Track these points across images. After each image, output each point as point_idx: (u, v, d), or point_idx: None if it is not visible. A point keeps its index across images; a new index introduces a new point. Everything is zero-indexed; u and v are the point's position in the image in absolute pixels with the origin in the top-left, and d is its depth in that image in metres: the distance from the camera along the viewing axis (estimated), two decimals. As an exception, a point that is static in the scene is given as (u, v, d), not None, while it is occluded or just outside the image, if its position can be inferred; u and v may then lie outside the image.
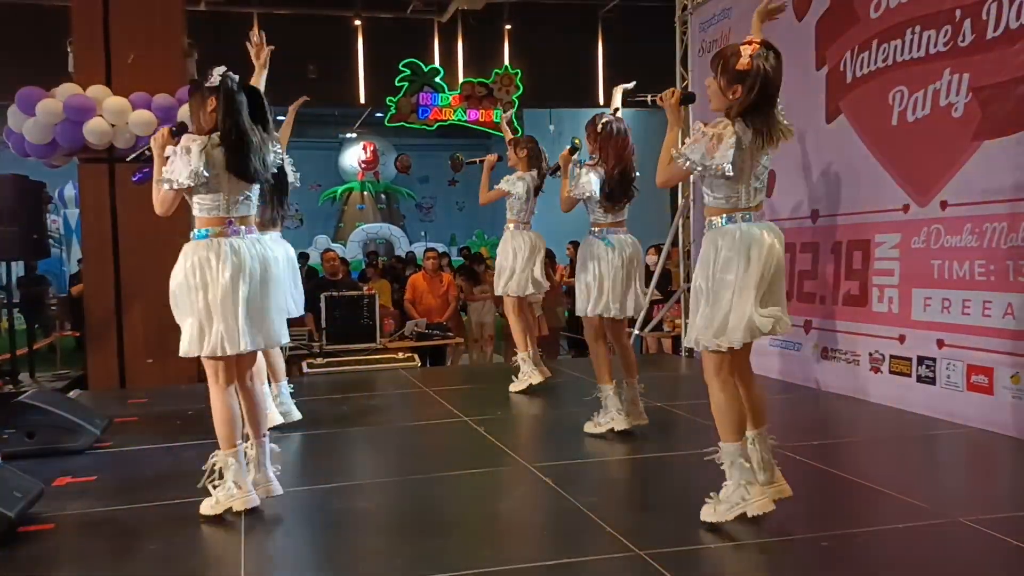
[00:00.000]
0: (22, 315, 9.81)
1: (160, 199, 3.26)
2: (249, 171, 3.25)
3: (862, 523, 3.14)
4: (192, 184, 3.16)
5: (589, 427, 4.47)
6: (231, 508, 3.25)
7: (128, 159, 3.44)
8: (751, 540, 3.00)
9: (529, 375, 5.61)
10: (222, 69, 3.27)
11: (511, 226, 5.66)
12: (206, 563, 2.95)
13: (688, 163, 2.93)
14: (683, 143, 3.00)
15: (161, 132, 3.28)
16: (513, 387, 5.68)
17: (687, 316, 7.61)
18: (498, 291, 5.72)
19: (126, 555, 3.04)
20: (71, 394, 5.95)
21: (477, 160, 5.93)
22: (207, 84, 3.25)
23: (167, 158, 3.18)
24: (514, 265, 5.57)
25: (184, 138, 3.19)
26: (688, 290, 7.55)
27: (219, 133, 3.21)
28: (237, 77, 3.30)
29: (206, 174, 3.15)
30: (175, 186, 3.17)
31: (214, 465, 3.31)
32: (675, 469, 4.06)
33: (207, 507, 3.28)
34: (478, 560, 2.85)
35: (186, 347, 3.28)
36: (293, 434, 4.71)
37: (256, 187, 3.37)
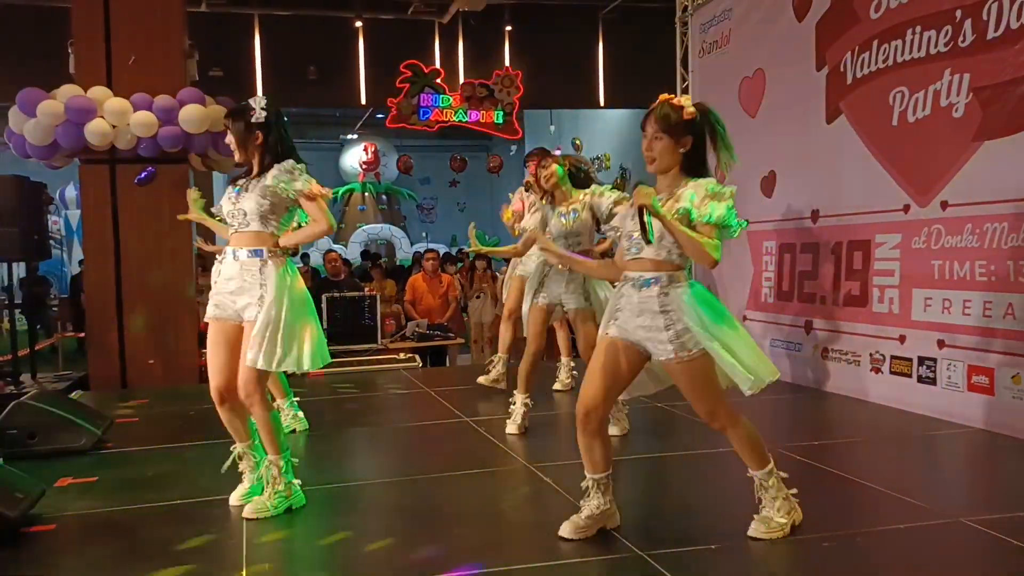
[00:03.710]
0: (23, 316, 9.81)
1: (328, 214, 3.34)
2: None
3: (863, 523, 3.14)
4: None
5: (613, 430, 4.49)
6: (291, 506, 3.38)
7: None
8: (752, 541, 3.00)
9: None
10: (264, 102, 3.34)
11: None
12: (208, 563, 2.95)
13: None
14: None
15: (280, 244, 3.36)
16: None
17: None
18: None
19: (127, 556, 3.04)
20: (73, 395, 5.96)
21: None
22: (253, 120, 3.30)
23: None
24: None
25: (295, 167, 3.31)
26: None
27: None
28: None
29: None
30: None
31: (270, 468, 3.36)
32: (676, 469, 4.06)
33: (262, 510, 3.30)
34: (479, 560, 2.85)
35: (309, 363, 3.39)
36: (294, 434, 4.71)
37: None
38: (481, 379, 5.82)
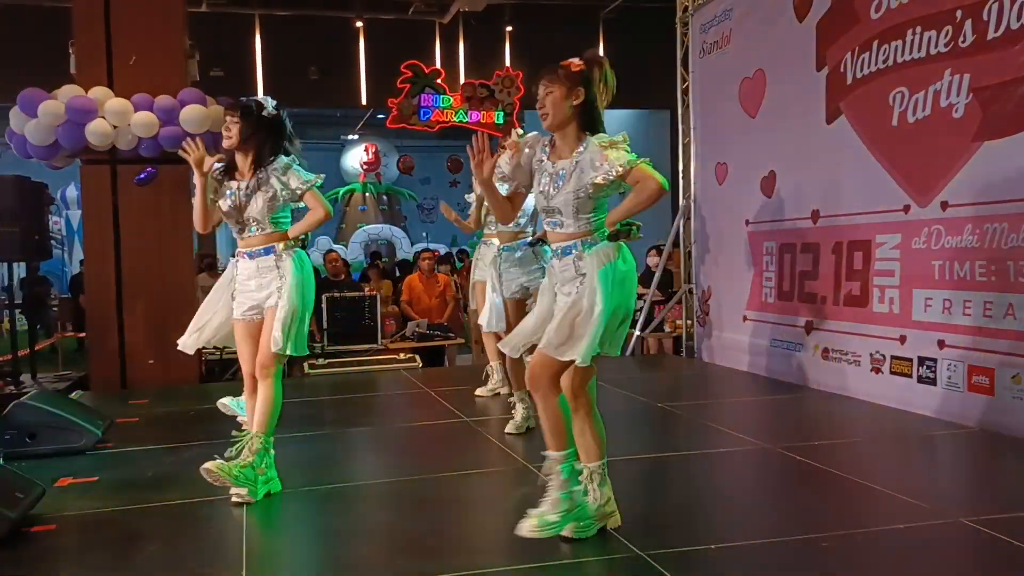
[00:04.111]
0: (24, 316, 9.82)
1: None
2: None
3: (862, 524, 3.14)
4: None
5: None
6: (269, 492, 3.52)
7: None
8: (752, 541, 3.01)
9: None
10: (274, 102, 3.51)
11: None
12: (207, 564, 2.95)
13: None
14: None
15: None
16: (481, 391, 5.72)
17: (688, 317, 7.62)
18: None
19: (127, 556, 3.04)
20: (73, 395, 5.96)
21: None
22: (264, 114, 3.47)
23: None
24: None
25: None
26: (690, 291, 7.56)
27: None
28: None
29: None
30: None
31: (252, 441, 3.47)
32: (675, 469, 4.06)
33: (225, 471, 3.39)
34: (478, 560, 2.85)
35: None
36: (295, 434, 4.72)
37: None
38: (479, 391, 5.70)
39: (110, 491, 3.76)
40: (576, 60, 2.85)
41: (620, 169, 2.75)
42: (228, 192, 3.52)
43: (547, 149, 2.96)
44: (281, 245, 3.48)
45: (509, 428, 4.60)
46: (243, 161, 3.51)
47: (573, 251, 2.85)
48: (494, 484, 3.86)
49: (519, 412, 4.63)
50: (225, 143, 3.48)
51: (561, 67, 2.84)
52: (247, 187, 3.46)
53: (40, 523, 3.28)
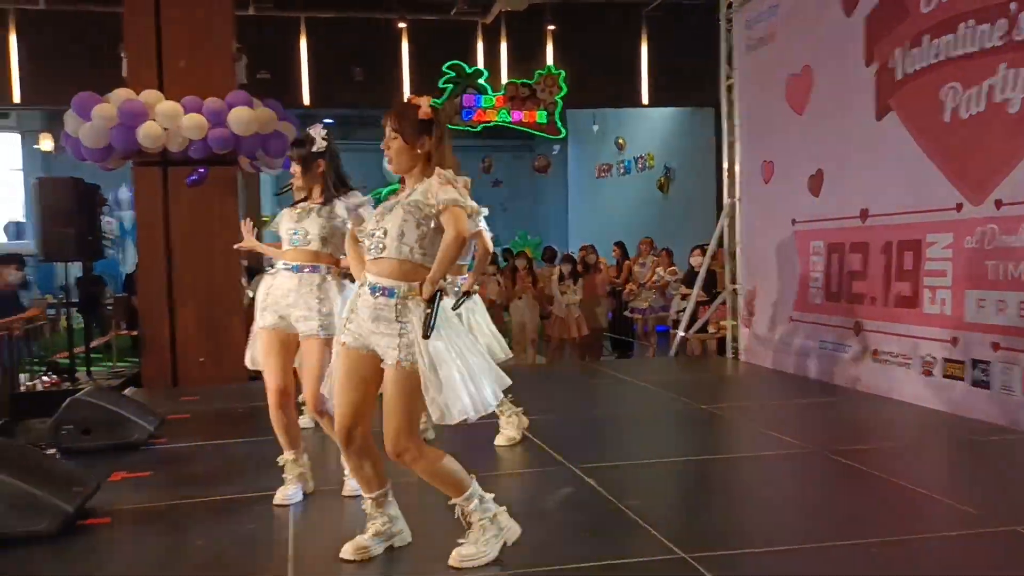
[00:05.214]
0: (80, 315, 10.09)
1: None
2: None
3: (912, 530, 3.08)
4: None
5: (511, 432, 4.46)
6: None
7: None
8: (797, 545, 2.97)
9: None
10: (324, 132, 3.50)
11: None
12: (256, 558, 3.01)
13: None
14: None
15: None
16: None
17: (733, 317, 7.54)
18: None
19: (178, 549, 3.12)
20: (126, 391, 6.12)
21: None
22: (315, 150, 3.48)
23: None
24: None
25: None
26: (735, 291, 7.48)
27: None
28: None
29: None
30: None
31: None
32: (719, 472, 4.02)
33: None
34: (522, 561, 2.85)
35: None
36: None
37: None
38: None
39: (162, 486, 3.86)
40: (424, 107, 2.76)
41: (438, 204, 2.62)
42: (294, 211, 3.56)
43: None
44: (329, 268, 3.47)
45: (499, 440, 4.47)
46: (315, 191, 3.57)
47: (396, 295, 2.66)
48: (538, 485, 3.86)
49: (511, 423, 4.46)
50: (295, 182, 3.57)
51: (409, 109, 2.77)
52: (312, 209, 3.51)
53: (95, 516, 3.37)
